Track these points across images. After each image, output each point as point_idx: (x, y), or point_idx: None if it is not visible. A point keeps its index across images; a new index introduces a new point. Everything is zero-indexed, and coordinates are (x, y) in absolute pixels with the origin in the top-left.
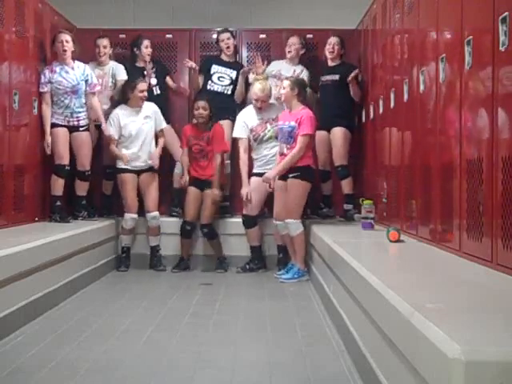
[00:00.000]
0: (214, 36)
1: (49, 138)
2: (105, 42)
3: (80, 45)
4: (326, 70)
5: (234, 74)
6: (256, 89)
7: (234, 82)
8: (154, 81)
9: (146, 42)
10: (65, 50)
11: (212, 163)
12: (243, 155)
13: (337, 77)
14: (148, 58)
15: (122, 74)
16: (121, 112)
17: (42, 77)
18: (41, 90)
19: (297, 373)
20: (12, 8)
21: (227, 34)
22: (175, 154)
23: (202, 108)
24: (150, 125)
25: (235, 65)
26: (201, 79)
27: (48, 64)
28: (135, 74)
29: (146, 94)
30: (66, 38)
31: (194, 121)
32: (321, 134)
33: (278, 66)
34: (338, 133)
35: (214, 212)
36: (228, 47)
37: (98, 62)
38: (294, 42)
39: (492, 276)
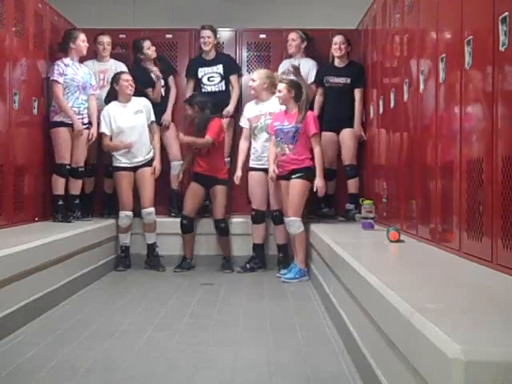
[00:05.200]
0: None
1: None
2: (107, 38)
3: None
4: (333, 70)
5: (220, 68)
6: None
7: (223, 76)
8: (163, 82)
9: (147, 44)
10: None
11: (215, 158)
12: (242, 143)
13: (349, 80)
14: (153, 57)
15: (123, 69)
16: (110, 107)
17: (57, 67)
18: (55, 78)
19: (297, 373)
20: (12, 8)
21: (208, 32)
22: (172, 154)
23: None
24: (142, 119)
25: (218, 58)
26: (191, 83)
27: (55, 59)
28: (142, 75)
29: (131, 83)
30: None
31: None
32: (328, 135)
33: (287, 65)
34: (348, 133)
35: (226, 206)
36: (205, 43)
37: (99, 58)
38: (292, 38)
39: (492, 276)
